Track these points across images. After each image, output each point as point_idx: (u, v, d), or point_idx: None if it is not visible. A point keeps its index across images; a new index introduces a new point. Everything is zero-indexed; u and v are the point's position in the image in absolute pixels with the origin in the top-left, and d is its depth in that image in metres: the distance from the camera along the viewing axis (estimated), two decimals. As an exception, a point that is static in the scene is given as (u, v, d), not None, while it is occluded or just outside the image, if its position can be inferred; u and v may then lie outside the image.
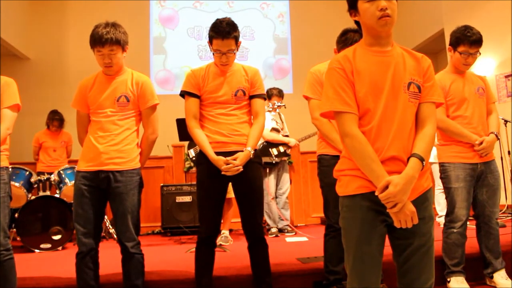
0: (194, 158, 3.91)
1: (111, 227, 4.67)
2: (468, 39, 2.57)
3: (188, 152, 3.93)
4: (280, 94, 4.68)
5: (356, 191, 1.50)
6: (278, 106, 4.55)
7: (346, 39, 2.41)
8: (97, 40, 2.26)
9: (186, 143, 4.17)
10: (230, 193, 3.36)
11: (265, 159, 4.42)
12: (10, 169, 2.40)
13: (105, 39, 2.25)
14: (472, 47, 2.59)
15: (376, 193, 1.42)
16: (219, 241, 3.88)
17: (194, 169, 4.16)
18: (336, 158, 2.39)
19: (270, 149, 4.52)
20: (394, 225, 1.44)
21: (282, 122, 4.81)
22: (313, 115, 2.45)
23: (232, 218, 4.49)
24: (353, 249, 1.50)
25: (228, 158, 2.30)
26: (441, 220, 4.32)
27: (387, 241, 1.54)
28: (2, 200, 2.18)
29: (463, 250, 2.61)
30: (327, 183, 2.45)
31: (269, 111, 4.35)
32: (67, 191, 4.29)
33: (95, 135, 2.33)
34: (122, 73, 2.41)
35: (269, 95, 4.63)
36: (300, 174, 5.60)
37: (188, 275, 2.65)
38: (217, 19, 2.38)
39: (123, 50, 2.36)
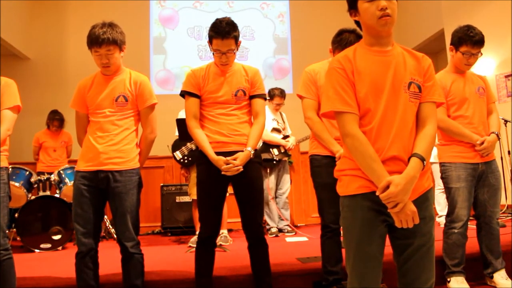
0: (181, 161, 3.90)
1: (111, 227, 4.67)
2: (471, 39, 2.56)
3: (174, 155, 3.92)
4: (282, 94, 4.67)
5: (356, 191, 1.49)
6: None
7: (341, 39, 2.41)
8: (94, 41, 2.26)
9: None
10: None
11: (265, 156, 4.42)
12: (10, 169, 2.40)
13: (102, 39, 2.25)
14: (474, 47, 2.58)
15: (377, 193, 1.42)
16: (219, 241, 3.88)
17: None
18: (327, 158, 2.40)
19: (271, 149, 4.51)
20: (394, 225, 1.44)
21: (284, 122, 4.81)
22: (306, 114, 2.47)
23: (232, 218, 4.49)
24: (354, 249, 1.50)
25: (228, 158, 2.30)
26: (441, 220, 4.32)
27: (387, 241, 1.54)
28: (2, 200, 2.18)
29: (464, 250, 2.61)
30: (320, 183, 2.46)
31: None
32: (67, 191, 4.29)
33: (94, 135, 2.33)
34: (120, 73, 2.41)
35: (271, 95, 4.62)
36: (300, 174, 5.60)
37: (188, 275, 2.64)
38: (217, 19, 2.38)
39: (121, 50, 2.36)
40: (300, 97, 2.52)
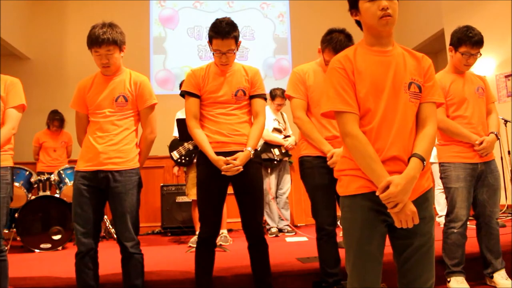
0: (178, 160, 3.90)
1: (111, 227, 4.67)
2: (470, 40, 2.56)
3: (171, 155, 3.92)
4: (283, 95, 4.67)
5: (357, 191, 1.49)
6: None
7: (331, 38, 2.42)
8: (94, 41, 2.26)
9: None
10: None
11: (266, 156, 4.42)
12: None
13: (102, 40, 2.25)
14: (473, 48, 2.58)
15: (377, 193, 1.42)
16: (219, 241, 3.88)
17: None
18: (319, 158, 2.39)
19: (272, 149, 4.52)
20: (394, 225, 1.44)
21: (285, 122, 4.81)
22: (295, 114, 2.46)
23: (232, 217, 4.49)
24: (354, 249, 1.50)
25: (228, 158, 2.30)
26: (441, 220, 4.32)
27: (387, 241, 1.54)
28: (2, 200, 2.19)
29: (463, 250, 2.61)
30: (313, 185, 2.43)
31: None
32: (67, 191, 4.29)
33: (94, 135, 2.33)
34: (120, 73, 2.41)
35: (272, 96, 4.63)
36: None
37: (188, 275, 2.64)
38: (217, 19, 2.38)
39: (120, 50, 2.36)
40: (289, 97, 2.52)
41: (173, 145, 3.94)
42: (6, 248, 2.25)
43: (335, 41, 2.37)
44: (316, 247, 2.48)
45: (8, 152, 2.28)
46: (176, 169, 4.30)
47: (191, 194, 3.88)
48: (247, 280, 2.59)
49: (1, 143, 2.21)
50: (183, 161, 3.90)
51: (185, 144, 3.86)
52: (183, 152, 3.87)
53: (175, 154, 3.87)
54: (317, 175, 2.39)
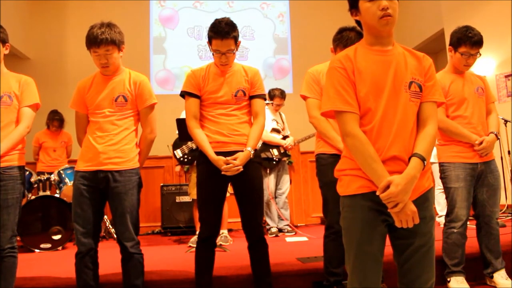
0: (181, 159, 3.91)
1: (111, 227, 4.67)
2: (469, 40, 2.56)
3: (174, 153, 3.93)
4: (282, 95, 4.68)
5: (357, 191, 1.49)
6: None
7: (342, 36, 2.44)
8: (93, 41, 2.26)
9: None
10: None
11: (264, 156, 4.43)
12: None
13: (100, 40, 2.25)
14: (473, 48, 2.58)
15: (377, 193, 1.42)
16: (219, 241, 3.88)
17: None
18: (334, 156, 2.39)
19: (270, 149, 4.52)
20: (395, 225, 1.44)
21: (283, 123, 4.81)
22: (311, 113, 2.46)
23: (232, 217, 4.49)
24: (354, 249, 1.50)
25: (228, 158, 2.30)
26: (441, 220, 4.32)
27: (387, 241, 1.54)
28: (16, 200, 2.22)
29: (463, 250, 2.61)
30: (326, 182, 2.44)
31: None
32: (67, 191, 4.29)
33: (94, 135, 2.33)
34: (119, 73, 2.41)
35: (271, 96, 4.63)
36: (300, 174, 5.60)
37: (188, 275, 2.64)
38: (216, 19, 2.38)
39: (119, 50, 2.35)
40: (304, 97, 2.52)
41: (177, 144, 3.94)
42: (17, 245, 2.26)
43: (346, 39, 2.39)
44: (319, 246, 2.48)
45: (21, 151, 2.29)
46: (178, 167, 4.30)
47: (193, 194, 3.88)
48: (247, 280, 2.59)
49: (16, 142, 2.25)
50: (186, 160, 3.90)
51: (189, 143, 3.86)
52: (186, 151, 3.87)
53: (178, 153, 3.87)
54: (330, 172, 2.36)
